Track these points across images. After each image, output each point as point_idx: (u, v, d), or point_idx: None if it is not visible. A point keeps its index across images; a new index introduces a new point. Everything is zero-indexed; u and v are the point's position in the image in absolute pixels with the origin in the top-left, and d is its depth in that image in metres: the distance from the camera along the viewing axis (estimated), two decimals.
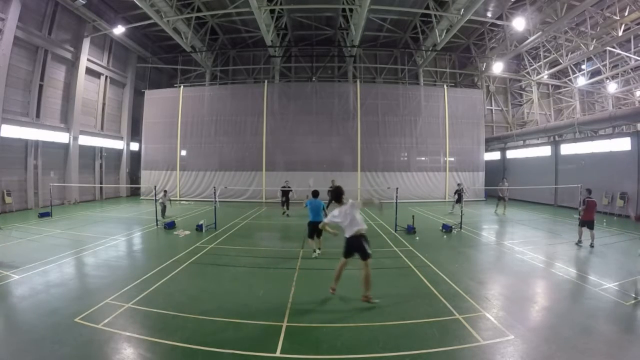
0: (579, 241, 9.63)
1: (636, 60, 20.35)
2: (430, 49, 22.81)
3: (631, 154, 15.06)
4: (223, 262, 7.98)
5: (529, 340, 4.42)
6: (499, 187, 16.88)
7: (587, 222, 9.49)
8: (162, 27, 18.81)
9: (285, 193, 15.80)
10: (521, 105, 28.38)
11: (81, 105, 19.71)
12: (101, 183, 22.02)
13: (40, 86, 17.21)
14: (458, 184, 17.51)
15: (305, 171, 20.47)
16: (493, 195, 22.70)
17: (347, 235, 5.65)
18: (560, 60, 22.61)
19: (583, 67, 25.34)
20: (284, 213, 15.57)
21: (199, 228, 11.50)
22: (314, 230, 8.31)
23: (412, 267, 7.66)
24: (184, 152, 22.57)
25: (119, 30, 19.38)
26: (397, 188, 12.77)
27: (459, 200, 15.27)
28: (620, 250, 9.42)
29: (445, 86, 23.45)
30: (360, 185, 21.14)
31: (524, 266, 7.87)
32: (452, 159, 22.42)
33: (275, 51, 23.21)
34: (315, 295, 5.98)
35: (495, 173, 24.46)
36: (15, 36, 15.08)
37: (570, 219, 14.44)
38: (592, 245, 9.23)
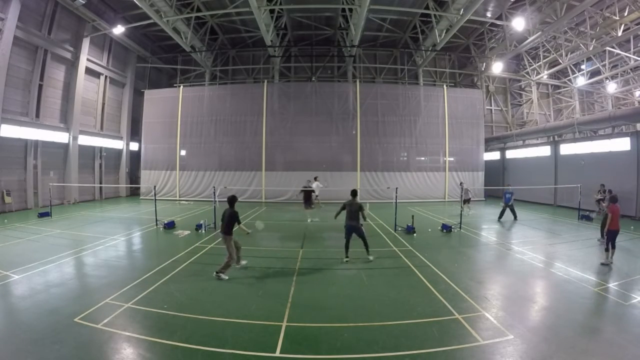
0: None
1: (636, 60, 20.35)
2: (430, 49, 22.81)
3: (630, 153, 15.07)
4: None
5: (528, 340, 4.43)
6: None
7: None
8: (161, 27, 18.78)
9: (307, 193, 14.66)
10: (521, 105, 28.37)
11: (81, 105, 19.67)
12: (101, 183, 21.98)
13: (40, 86, 17.19)
14: (460, 183, 17.61)
15: (305, 171, 20.45)
16: (493, 195, 22.76)
17: None
18: (560, 60, 22.60)
19: (582, 67, 25.34)
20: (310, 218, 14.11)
21: (199, 228, 11.52)
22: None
23: (412, 267, 7.67)
24: (183, 152, 22.54)
25: (118, 30, 19.35)
26: (396, 188, 12.77)
27: (467, 200, 15.93)
28: (620, 250, 9.42)
29: (444, 86, 23.43)
30: (360, 185, 21.13)
31: (523, 266, 7.88)
32: (452, 159, 22.41)
33: (274, 51, 23.18)
34: (315, 295, 6.00)
35: (495, 173, 24.51)
36: (15, 36, 15.06)
37: (570, 219, 14.45)
38: None
